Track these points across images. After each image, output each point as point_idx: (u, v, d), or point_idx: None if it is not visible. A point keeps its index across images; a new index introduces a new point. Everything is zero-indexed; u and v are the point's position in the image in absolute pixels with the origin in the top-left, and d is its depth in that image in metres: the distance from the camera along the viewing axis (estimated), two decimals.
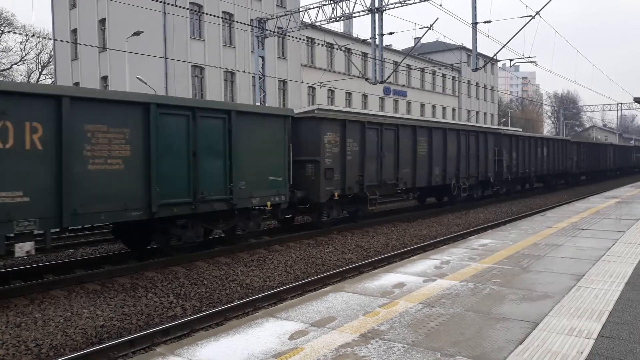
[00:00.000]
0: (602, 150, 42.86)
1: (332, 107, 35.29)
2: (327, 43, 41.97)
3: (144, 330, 7.07)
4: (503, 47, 21.00)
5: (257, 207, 12.48)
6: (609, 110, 69.16)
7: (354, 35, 48.21)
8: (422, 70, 55.01)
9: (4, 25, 50.86)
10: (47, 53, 55.00)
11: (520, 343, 4.40)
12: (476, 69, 22.65)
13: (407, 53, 35.17)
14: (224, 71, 36.06)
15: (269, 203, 12.44)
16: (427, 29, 22.25)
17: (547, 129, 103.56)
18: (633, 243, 9.13)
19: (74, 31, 40.26)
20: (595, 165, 40.14)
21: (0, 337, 6.70)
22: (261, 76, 26.62)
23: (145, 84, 27.90)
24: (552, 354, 4.15)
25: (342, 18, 25.16)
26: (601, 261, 7.65)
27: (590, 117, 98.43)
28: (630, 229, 10.86)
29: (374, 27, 23.18)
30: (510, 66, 25.69)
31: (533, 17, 20.36)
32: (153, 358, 4.28)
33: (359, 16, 24.30)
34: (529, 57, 22.87)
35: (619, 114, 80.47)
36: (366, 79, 25.79)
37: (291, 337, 4.62)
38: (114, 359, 6.26)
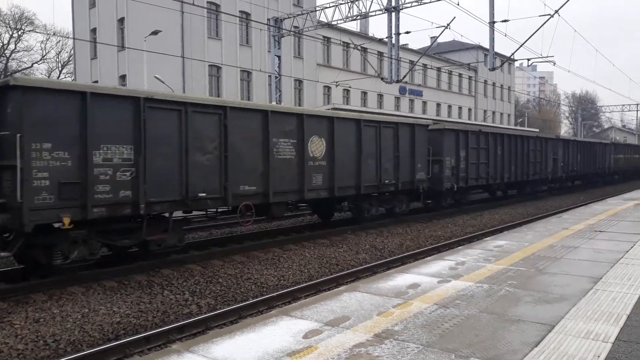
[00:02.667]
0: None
1: (348, 107, 35.28)
2: (343, 42, 41.90)
3: (159, 327, 7.14)
4: (521, 46, 20.80)
5: None
6: (629, 110, 68.09)
7: (370, 34, 48.10)
8: (439, 69, 54.69)
9: (25, 24, 51.70)
10: (67, 52, 55.90)
11: (536, 346, 4.37)
12: (493, 69, 22.49)
13: (423, 52, 35.00)
14: (241, 70, 36.21)
15: None
16: (443, 28, 22.14)
17: (565, 129, 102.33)
18: None
19: (94, 30, 40.76)
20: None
21: (20, 332, 6.81)
22: (277, 75, 26.69)
23: (163, 82, 28.14)
24: (569, 357, 4.12)
25: (359, 17, 25.15)
26: (619, 264, 7.56)
27: (609, 117, 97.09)
28: None
29: (390, 26, 23.12)
30: (528, 66, 25.19)
31: (552, 16, 20.14)
32: (169, 355, 4.33)
33: (375, 15, 24.27)
34: (547, 56, 22.63)
35: (639, 114, 79.23)
36: (382, 79, 25.71)
37: (305, 336, 4.64)
38: (130, 355, 6.33)
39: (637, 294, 5.92)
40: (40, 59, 55.38)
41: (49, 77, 55.49)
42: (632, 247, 8.87)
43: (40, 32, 51.21)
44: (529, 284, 6.45)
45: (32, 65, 54.52)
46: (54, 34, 53.78)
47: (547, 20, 20.14)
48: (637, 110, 68.45)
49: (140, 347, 6.50)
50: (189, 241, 13.08)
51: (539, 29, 20.19)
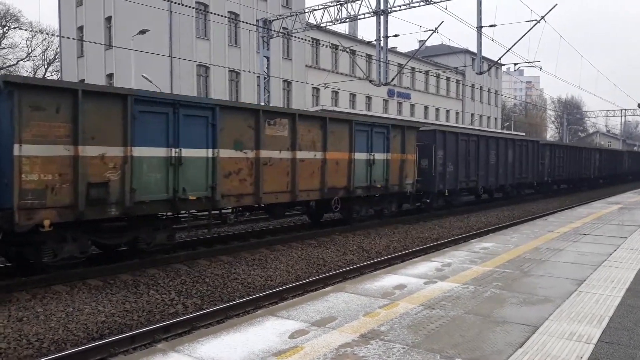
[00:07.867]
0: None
1: (336, 109, 35.35)
2: (332, 44, 41.96)
3: (145, 326, 7.10)
4: (508, 51, 20.99)
5: None
6: (613, 115, 69.06)
7: (359, 37, 48.21)
8: (427, 73, 54.97)
9: (10, 21, 51.07)
10: (53, 50, 55.34)
11: (520, 346, 4.41)
12: (480, 73, 22.64)
13: (411, 56, 35.16)
14: (229, 71, 36.11)
15: None
16: (432, 31, 22.29)
17: (551, 134, 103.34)
18: (635, 249, 9.12)
19: (80, 28, 40.38)
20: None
21: (2, 331, 6.72)
22: (266, 76, 26.65)
23: (151, 82, 27.96)
24: (552, 358, 4.16)
25: (347, 20, 25.20)
26: (602, 266, 7.65)
27: (594, 122, 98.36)
28: (633, 235, 10.84)
29: (379, 29, 23.21)
30: (515, 70, 25.38)
31: (538, 22, 20.36)
32: (154, 354, 4.30)
33: (364, 18, 24.34)
34: (534, 61, 22.84)
35: (623, 119, 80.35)
36: (370, 81, 25.81)
37: (291, 336, 4.64)
38: (115, 355, 6.28)
39: (620, 296, 6.00)
40: (26, 57, 54.76)
41: (34, 74, 54.87)
42: (615, 250, 8.99)
43: (25, 29, 50.66)
44: (514, 285, 6.51)
45: (17, 63, 53.95)
46: (40, 31, 53.22)
47: (534, 26, 20.36)
48: (621, 116, 69.43)
49: (125, 347, 6.45)
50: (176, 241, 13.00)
51: (525, 34, 20.39)
